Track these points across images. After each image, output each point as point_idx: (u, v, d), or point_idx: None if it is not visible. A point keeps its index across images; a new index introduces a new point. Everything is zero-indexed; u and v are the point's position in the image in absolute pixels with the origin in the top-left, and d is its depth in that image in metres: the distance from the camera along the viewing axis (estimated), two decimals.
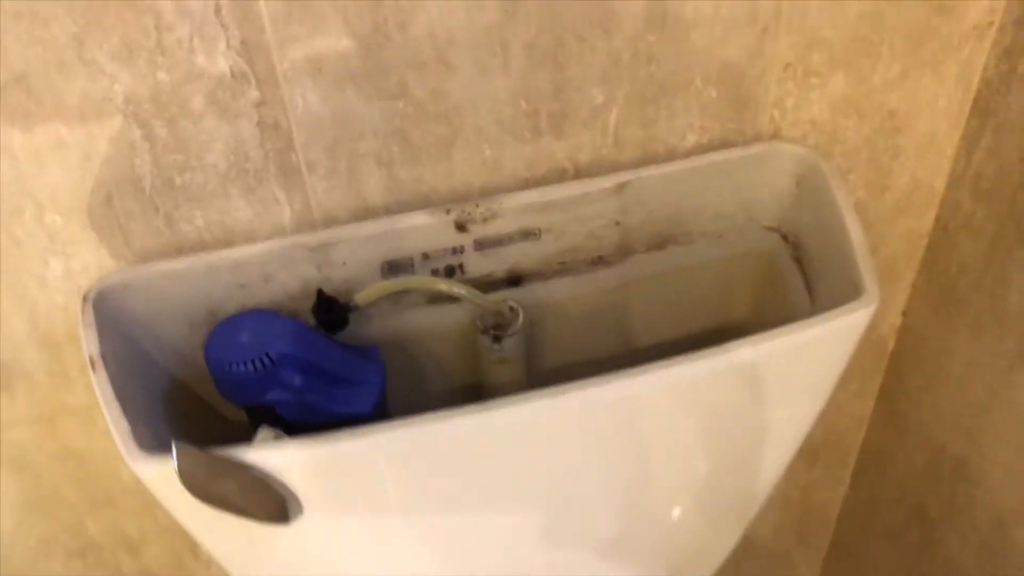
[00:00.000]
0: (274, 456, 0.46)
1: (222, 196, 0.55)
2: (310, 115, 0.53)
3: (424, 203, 0.58)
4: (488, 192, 0.59)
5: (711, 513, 0.65)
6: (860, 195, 0.68)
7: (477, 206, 0.57)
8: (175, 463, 0.42)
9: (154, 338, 0.56)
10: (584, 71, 0.55)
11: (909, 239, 0.73)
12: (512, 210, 0.57)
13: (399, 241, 0.56)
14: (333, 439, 0.46)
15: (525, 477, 0.54)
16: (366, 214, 0.58)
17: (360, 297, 0.56)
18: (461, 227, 0.57)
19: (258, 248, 0.55)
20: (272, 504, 0.46)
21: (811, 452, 0.94)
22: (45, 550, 0.73)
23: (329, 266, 0.56)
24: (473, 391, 0.64)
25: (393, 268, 0.57)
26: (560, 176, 0.60)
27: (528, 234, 0.58)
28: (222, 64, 0.49)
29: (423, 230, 0.56)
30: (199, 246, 0.56)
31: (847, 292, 0.53)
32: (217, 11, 0.48)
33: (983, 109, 0.64)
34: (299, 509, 0.48)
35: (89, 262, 0.56)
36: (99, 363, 0.49)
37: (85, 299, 0.52)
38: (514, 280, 0.61)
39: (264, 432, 0.48)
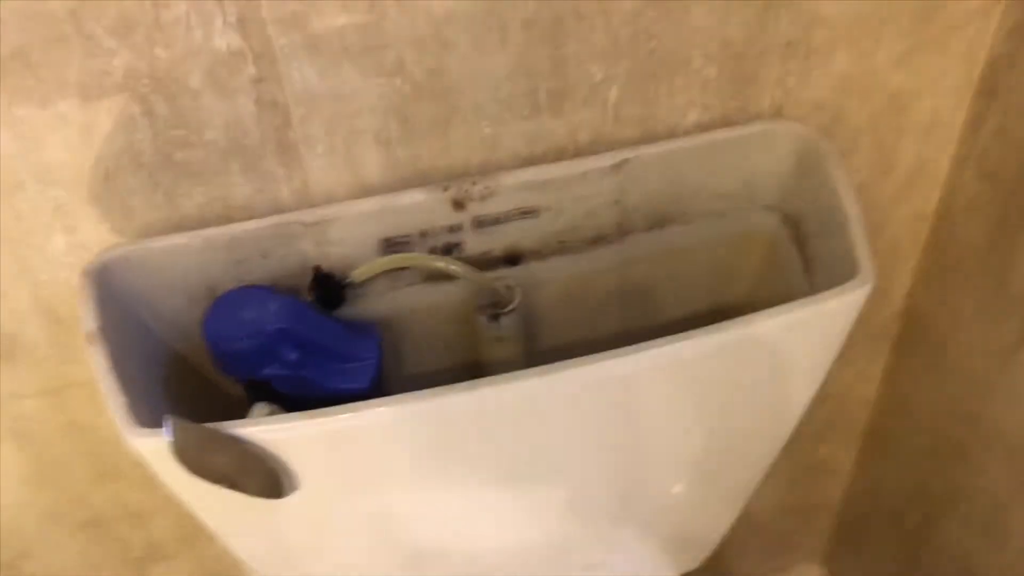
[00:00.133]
0: (268, 431, 0.46)
1: (221, 172, 0.55)
2: (307, 92, 0.53)
3: (423, 180, 0.58)
4: (488, 170, 0.59)
5: (708, 490, 0.65)
6: (863, 175, 0.68)
7: (475, 184, 0.57)
8: (168, 437, 0.42)
9: (154, 312, 0.56)
10: (583, 48, 0.55)
11: (913, 220, 0.73)
12: (510, 188, 0.57)
13: (397, 218, 0.57)
14: (326, 415, 0.46)
15: (519, 454, 0.54)
16: (365, 191, 0.58)
17: (357, 274, 0.56)
18: (459, 205, 0.57)
19: (255, 224, 0.55)
20: (266, 479, 0.47)
21: (816, 433, 0.94)
22: (52, 522, 0.74)
23: (327, 243, 0.56)
24: (472, 369, 0.64)
25: (391, 245, 0.57)
26: (560, 154, 0.60)
27: (526, 212, 0.58)
28: (219, 41, 0.50)
29: (420, 207, 0.56)
30: (199, 222, 0.57)
31: (844, 272, 0.52)
32: None
33: (989, 88, 0.64)
34: (293, 484, 0.48)
35: (91, 237, 0.56)
36: (98, 337, 0.49)
37: (85, 274, 0.52)
38: (512, 259, 0.61)
39: (259, 408, 0.48)
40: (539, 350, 0.65)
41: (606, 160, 0.58)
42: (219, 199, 0.56)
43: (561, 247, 0.61)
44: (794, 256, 0.61)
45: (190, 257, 0.55)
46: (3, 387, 0.63)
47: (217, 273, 0.56)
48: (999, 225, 0.66)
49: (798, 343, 0.53)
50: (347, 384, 0.54)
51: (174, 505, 0.77)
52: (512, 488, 0.57)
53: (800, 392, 0.58)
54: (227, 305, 0.53)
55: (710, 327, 0.50)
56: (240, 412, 0.51)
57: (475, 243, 0.59)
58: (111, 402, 0.47)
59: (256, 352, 0.52)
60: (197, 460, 0.44)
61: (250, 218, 0.56)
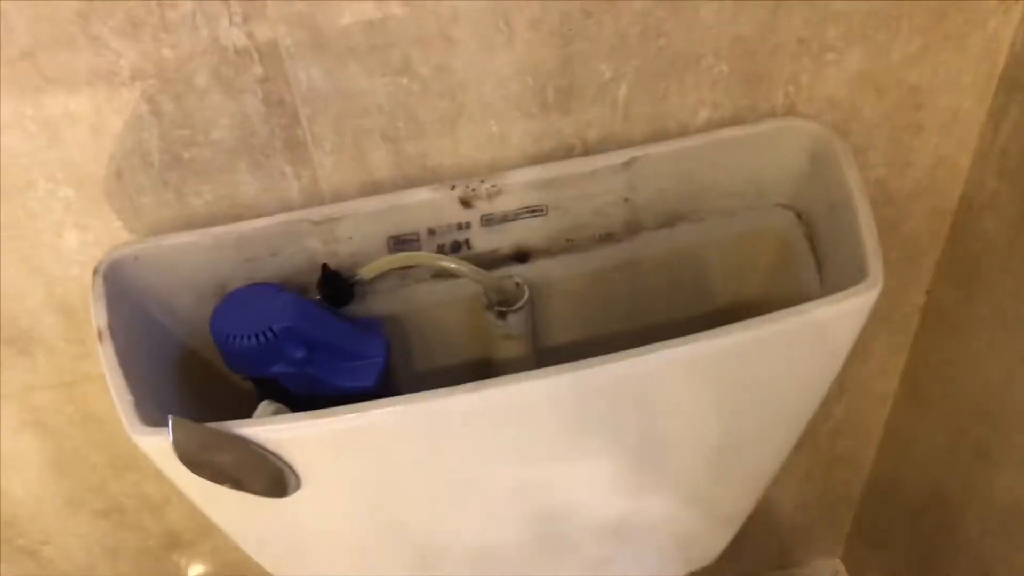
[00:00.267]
0: (271, 431, 0.46)
1: (229, 171, 0.55)
2: (314, 91, 0.53)
3: (432, 178, 0.58)
4: (496, 167, 0.59)
5: (718, 489, 0.65)
6: (881, 172, 0.67)
7: (482, 182, 0.56)
8: (170, 436, 0.43)
9: (166, 309, 0.57)
10: (591, 46, 0.54)
11: (933, 216, 0.72)
12: (517, 186, 0.57)
13: (404, 216, 0.57)
14: (329, 415, 0.47)
15: (526, 454, 0.54)
16: (374, 189, 0.58)
17: (364, 271, 0.56)
18: (466, 203, 0.57)
19: (264, 222, 0.55)
20: (269, 478, 0.47)
21: (835, 428, 0.93)
22: (71, 510, 0.75)
23: (335, 241, 0.57)
24: (481, 365, 0.64)
25: (399, 243, 0.57)
26: (569, 152, 0.59)
27: (534, 210, 0.58)
28: (225, 40, 0.50)
29: (428, 206, 0.56)
30: (209, 219, 0.57)
31: (854, 274, 0.52)
32: None
33: (1010, 84, 0.62)
34: (298, 482, 0.49)
35: (103, 234, 0.57)
36: (106, 335, 0.50)
37: (96, 271, 0.53)
38: (521, 256, 0.61)
39: (263, 407, 0.49)
40: (549, 347, 0.65)
41: (615, 158, 0.57)
42: (228, 197, 0.56)
43: (570, 245, 0.61)
44: (807, 254, 0.60)
45: (200, 255, 0.56)
46: (21, 380, 0.64)
47: (227, 270, 0.57)
48: (1019, 223, 0.65)
49: (805, 346, 0.52)
50: (353, 382, 0.55)
51: None
52: (519, 487, 0.57)
53: (810, 393, 0.57)
54: (234, 303, 0.53)
55: (714, 330, 0.49)
56: (253, 407, 0.51)
57: (483, 240, 0.59)
58: (117, 400, 0.48)
59: (263, 350, 0.52)
60: (200, 459, 0.45)
61: (259, 216, 0.56)
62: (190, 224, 0.57)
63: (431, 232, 0.58)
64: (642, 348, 0.49)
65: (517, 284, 0.59)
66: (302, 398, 0.54)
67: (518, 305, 0.59)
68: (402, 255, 0.56)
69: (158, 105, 0.52)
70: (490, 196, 0.57)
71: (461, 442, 0.52)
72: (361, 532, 0.56)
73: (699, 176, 0.60)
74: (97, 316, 0.51)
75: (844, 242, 0.55)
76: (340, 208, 0.56)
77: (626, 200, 0.59)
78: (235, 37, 0.50)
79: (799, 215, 0.61)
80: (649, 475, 0.61)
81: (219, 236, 0.55)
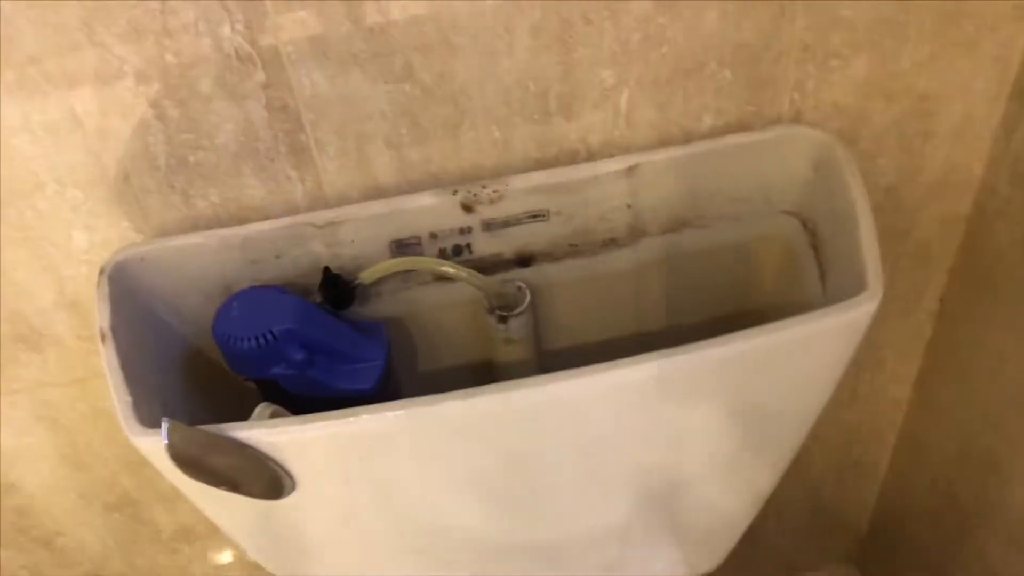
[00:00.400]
0: (264, 435, 0.47)
1: (234, 175, 0.56)
2: (317, 97, 0.53)
3: (435, 183, 0.58)
4: (499, 172, 0.59)
5: (720, 495, 0.65)
6: (891, 179, 0.66)
7: (484, 187, 0.57)
8: (165, 439, 0.44)
9: (173, 309, 0.58)
10: (593, 53, 0.54)
11: (945, 224, 0.71)
12: (519, 192, 0.57)
13: (406, 220, 0.57)
14: (324, 419, 0.47)
15: (525, 459, 0.54)
16: (377, 193, 0.58)
17: (365, 275, 0.56)
18: (468, 208, 0.57)
19: (268, 225, 0.56)
20: (265, 480, 0.48)
21: (849, 434, 0.92)
22: (84, 503, 0.77)
23: (337, 244, 0.57)
24: (484, 368, 0.65)
25: (401, 247, 0.58)
26: (572, 157, 0.59)
27: (536, 215, 0.58)
28: (228, 47, 0.50)
29: (430, 210, 0.57)
30: (215, 222, 0.58)
31: (855, 284, 0.51)
32: None
33: (1023, 92, 0.61)
34: (292, 484, 0.49)
35: (111, 235, 0.58)
36: (108, 336, 0.51)
37: (102, 272, 0.54)
38: (524, 260, 0.61)
39: (260, 409, 0.49)
40: (552, 351, 0.65)
41: (616, 165, 0.57)
42: (233, 200, 0.57)
43: (573, 250, 0.61)
44: (811, 261, 0.60)
45: (206, 256, 0.57)
46: (33, 376, 0.65)
47: (232, 272, 0.57)
48: None
49: (803, 356, 0.52)
50: (353, 385, 0.55)
51: None
52: (515, 493, 0.57)
53: (809, 402, 0.57)
54: (235, 306, 0.54)
55: (711, 340, 0.49)
56: (256, 405, 0.52)
57: (485, 245, 0.59)
58: (116, 401, 0.48)
59: (263, 352, 0.53)
60: (195, 462, 0.45)
61: (265, 219, 0.57)
62: (196, 226, 0.58)
63: (433, 236, 0.58)
64: (643, 356, 0.49)
65: (519, 288, 0.60)
66: (302, 400, 0.54)
67: (519, 309, 0.59)
68: (403, 259, 0.56)
69: (163, 110, 0.52)
70: (492, 201, 0.57)
71: (455, 447, 0.52)
72: (357, 533, 0.57)
73: (703, 182, 0.59)
74: (101, 317, 0.52)
75: (846, 251, 0.55)
76: (343, 212, 0.56)
77: (629, 206, 0.59)
78: (237, 44, 0.50)
79: (804, 222, 0.61)
80: (647, 482, 0.60)
81: (224, 238, 0.56)
